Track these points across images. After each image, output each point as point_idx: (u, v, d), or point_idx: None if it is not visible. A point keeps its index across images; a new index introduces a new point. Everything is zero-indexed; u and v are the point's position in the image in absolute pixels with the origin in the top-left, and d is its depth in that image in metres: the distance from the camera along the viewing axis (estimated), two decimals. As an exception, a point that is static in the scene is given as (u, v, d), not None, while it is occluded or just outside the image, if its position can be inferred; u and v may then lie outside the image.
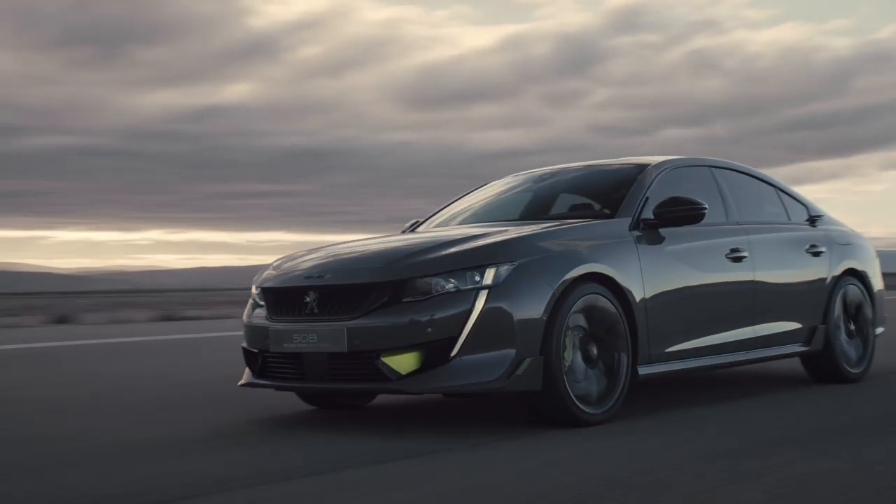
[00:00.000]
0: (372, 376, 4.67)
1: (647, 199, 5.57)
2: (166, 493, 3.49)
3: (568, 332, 4.79)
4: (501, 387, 4.59)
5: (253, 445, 4.48)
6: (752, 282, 5.98)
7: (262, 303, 5.24)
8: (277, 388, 5.10)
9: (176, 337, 13.07)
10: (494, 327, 4.59)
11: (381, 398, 5.92)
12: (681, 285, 5.46)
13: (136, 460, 4.13)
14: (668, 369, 5.38)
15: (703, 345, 5.59)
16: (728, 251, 5.87)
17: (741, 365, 6.09)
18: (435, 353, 4.58)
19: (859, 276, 6.89)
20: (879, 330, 7.16)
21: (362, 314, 4.70)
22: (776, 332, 6.16)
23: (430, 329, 4.57)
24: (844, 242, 6.92)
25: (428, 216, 6.58)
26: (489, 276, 4.65)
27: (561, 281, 4.76)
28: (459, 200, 6.68)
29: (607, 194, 5.77)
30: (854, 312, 6.79)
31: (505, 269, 4.68)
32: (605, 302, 4.97)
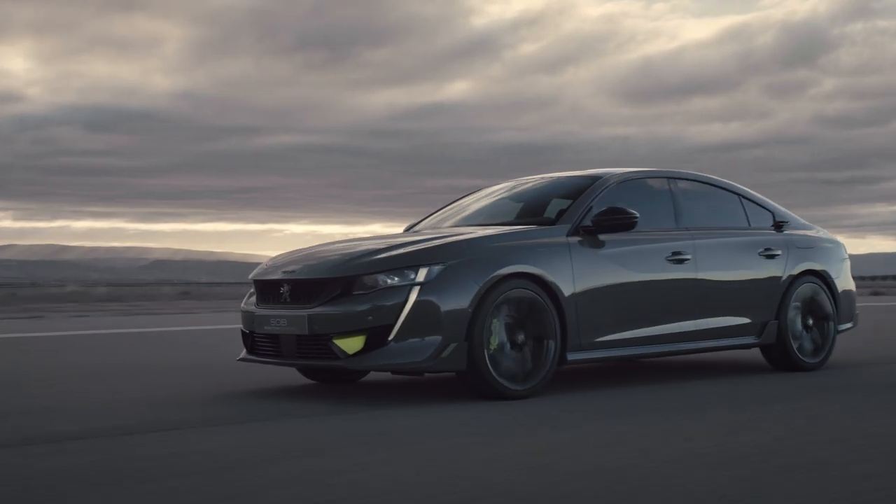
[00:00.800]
0: (326, 355, 5.79)
1: (591, 208, 6.49)
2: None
3: (495, 321, 5.78)
4: (430, 366, 5.65)
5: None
6: (695, 280, 6.83)
7: (253, 292, 6.43)
8: (262, 363, 6.26)
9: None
10: (424, 317, 5.64)
11: (375, 376, 7.03)
12: (613, 283, 6.37)
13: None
14: (598, 356, 6.32)
15: (637, 335, 6.50)
16: (670, 254, 6.74)
17: (685, 354, 6.96)
18: (376, 337, 5.66)
19: (820, 276, 7.62)
20: (845, 326, 7.88)
21: (320, 303, 5.83)
22: (722, 325, 6.99)
23: (370, 317, 5.66)
24: (805, 246, 7.65)
25: (422, 220, 7.64)
26: (422, 275, 5.70)
27: (488, 278, 5.76)
28: (450, 205, 7.72)
29: (557, 205, 6.71)
30: (812, 309, 7.53)
31: (436, 268, 5.73)
32: (533, 296, 5.94)
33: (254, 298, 6.44)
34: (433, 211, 7.77)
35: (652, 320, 6.60)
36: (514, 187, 7.50)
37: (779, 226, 7.69)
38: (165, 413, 5.38)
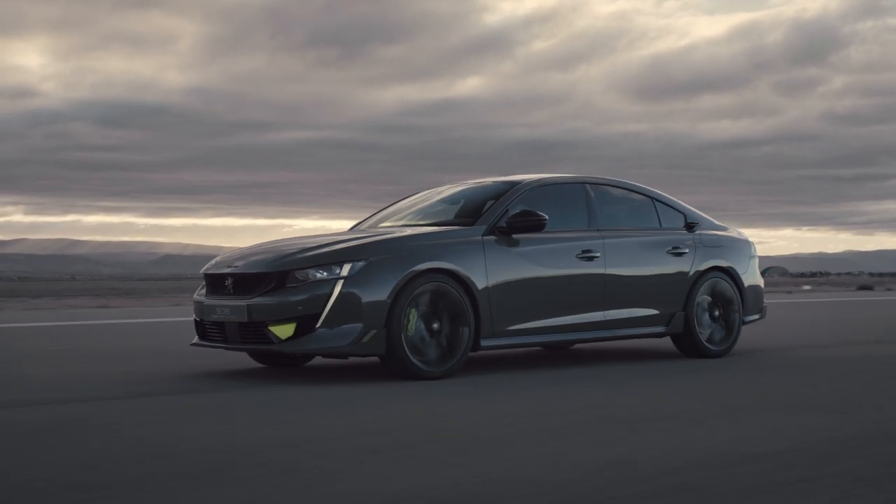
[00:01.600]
0: (263, 340, 6.69)
1: (507, 210, 7.37)
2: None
3: (412, 311, 6.67)
4: (352, 350, 6.55)
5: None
6: (603, 275, 7.71)
7: (204, 284, 7.34)
8: (212, 347, 7.16)
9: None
10: (347, 307, 6.54)
11: (317, 361, 7.93)
12: (524, 277, 7.26)
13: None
14: (510, 342, 7.20)
15: (547, 324, 7.38)
16: (580, 252, 7.62)
17: (594, 341, 7.85)
18: (305, 324, 6.57)
19: (726, 272, 8.50)
20: (753, 317, 8.76)
21: (258, 295, 6.73)
22: (630, 316, 7.87)
23: (300, 307, 6.56)
24: (714, 245, 8.53)
25: (365, 218, 8.55)
26: (346, 270, 6.60)
27: (405, 273, 6.65)
28: (394, 205, 8.62)
29: (479, 206, 7.59)
30: (718, 300, 8.40)
31: (359, 264, 6.62)
32: (448, 289, 6.83)
33: (204, 290, 7.34)
34: (376, 211, 8.67)
35: (561, 311, 7.48)
36: (444, 191, 8.39)
37: (690, 226, 8.55)
38: (110, 388, 6.30)
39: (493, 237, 7.22)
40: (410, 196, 8.77)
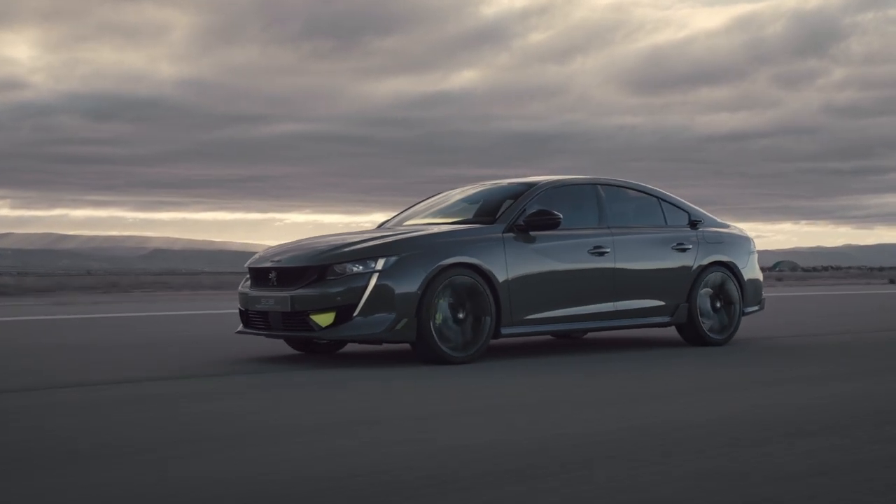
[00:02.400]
0: (305, 328, 7.46)
1: (525, 210, 8.14)
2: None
3: (440, 301, 7.44)
4: (385, 337, 7.33)
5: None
6: (613, 269, 8.49)
7: (248, 277, 8.11)
8: (256, 335, 7.94)
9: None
10: (382, 297, 7.31)
11: (349, 348, 8.71)
12: (541, 271, 8.04)
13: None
14: (527, 330, 7.99)
15: (561, 314, 8.16)
16: (591, 247, 8.40)
17: (605, 330, 8.63)
18: (343, 313, 7.34)
19: (727, 267, 9.29)
20: (752, 309, 9.55)
21: (300, 286, 7.50)
22: (637, 307, 8.65)
23: (339, 298, 7.33)
24: (716, 241, 9.32)
25: (390, 218, 9.33)
26: (380, 264, 7.38)
27: (434, 267, 7.42)
28: (419, 204, 9.41)
29: (497, 206, 8.38)
30: (720, 293, 9.19)
31: (392, 259, 7.40)
32: (472, 282, 7.60)
33: (248, 282, 8.11)
34: (402, 210, 9.45)
35: (574, 301, 8.26)
36: (465, 191, 9.19)
37: (693, 224, 9.33)
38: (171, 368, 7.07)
39: (512, 234, 7.99)
40: (433, 196, 9.55)
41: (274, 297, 7.63)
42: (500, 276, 7.78)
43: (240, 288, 8.25)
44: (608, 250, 8.50)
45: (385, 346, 8.80)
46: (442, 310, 7.49)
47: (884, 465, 3.81)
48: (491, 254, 7.79)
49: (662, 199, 9.32)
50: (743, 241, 9.66)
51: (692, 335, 9.09)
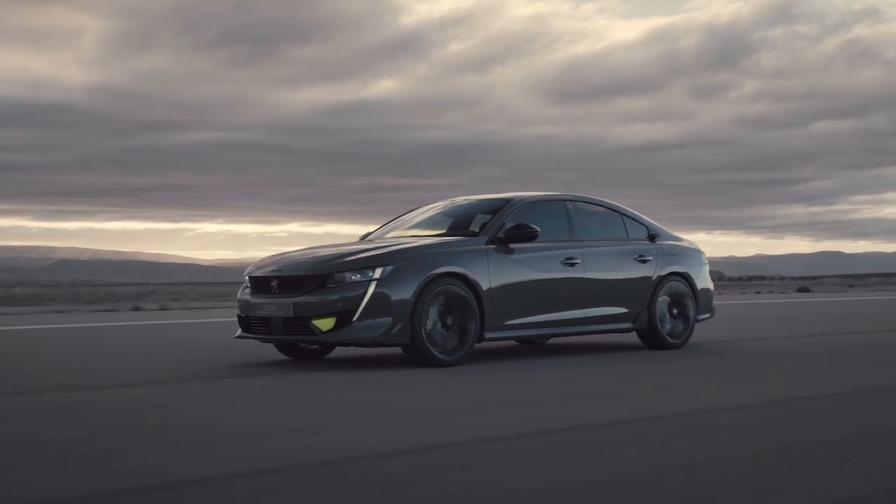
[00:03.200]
0: (306, 331, 8.20)
1: (504, 224, 8.97)
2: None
3: (430, 308, 8.23)
4: (383, 340, 8.09)
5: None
6: (583, 279, 9.37)
7: (248, 285, 8.82)
8: (257, 339, 8.65)
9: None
10: (379, 304, 8.07)
11: (337, 352, 9.45)
12: (519, 280, 8.87)
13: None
14: (508, 335, 8.83)
15: (538, 320, 9.00)
16: (563, 259, 9.27)
17: (576, 335, 9.50)
18: (343, 318, 8.09)
19: (683, 277, 10.24)
20: (704, 316, 10.51)
21: (302, 294, 8.23)
22: (604, 314, 9.54)
23: (339, 304, 8.08)
24: (672, 253, 10.26)
25: (374, 230, 10.10)
26: (377, 273, 8.14)
27: (426, 276, 8.21)
28: (398, 219, 10.18)
29: (477, 220, 9.22)
30: (676, 301, 10.13)
31: (389, 268, 8.17)
32: (459, 290, 8.40)
33: (247, 290, 8.81)
34: (382, 224, 10.22)
35: (549, 308, 9.11)
36: (447, 206, 10.01)
37: (652, 237, 10.27)
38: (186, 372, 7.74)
39: (493, 246, 8.81)
40: (412, 210, 10.35)
41: (276, 304, 8.34)
42: (485, 285, 8.59)
43: (239, 295, 8.94)
44: (578, 261, 9.37)
45: (370, 351, 9.56)
46: (432, 316, 8.28)
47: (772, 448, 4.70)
48: (476, 264, 8.60)
49: (624, 214, 10.23)
50: (696, 254, 10.63)
51: (652, 339, 10.00)
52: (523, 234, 8.92)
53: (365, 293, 8.09)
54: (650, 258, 10.05)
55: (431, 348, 8.22)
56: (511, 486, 3.71)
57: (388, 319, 8.10)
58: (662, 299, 10.04)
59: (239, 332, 8.88)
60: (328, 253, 8.67)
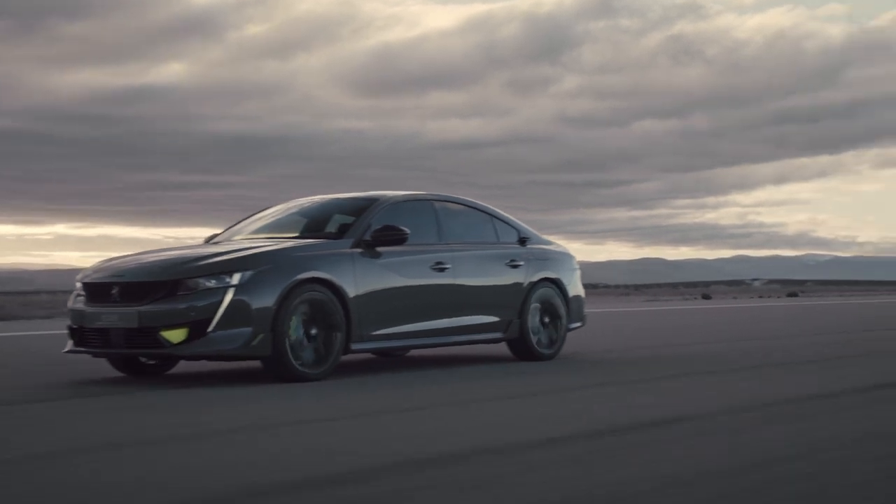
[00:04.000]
0: (154, 344, 7.44)
1: (370, 225, 8.40)
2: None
3: (293, 317, 7.58)
4: (242, 353, 7.42)
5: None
6: (453, 285, 8.87)
7: (82, 293, 7.96)
8: (92, 354, 7.81)
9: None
10: (238, 312, 7.39)
11: (177, 369, 8.68)
12: (387, 287, 8.32)
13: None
14: (375, 346, 8.28)
15: (406, 330, 8.46)
16: (433, 263, 8.75)
17: (444, 346, 9.01)
18: (197, 329, 7.36)
19: (555, 283, 9.86)
20: (576, 325, 10.16)
21: (149, 302, 7.46)
22: (475, 323, 9.06)
23: (192, 313, 7.36)
24: (543, 258, 9.87)
25: (222, 231, 9.36)
26: (236, 278, 7.46)
27: (289, 282, 7.56)
28: (247, 219, 9.47)
29: (338, 220, 8.62)
30: (547, 309, 9.74)
31: (249, 273, 7.49)
32: (323, 297, 7.78)
33: (81, 298, 7.96)
34: (231, 225, 9.48)
35: (418, 317, 8.58)
36: (302, 205, 9.34)
37: (522, 241, 9.85)
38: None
39: (359, 249, 8.22)
40: (264, 210, 9.64)
41: (118, 313, 7.54)
42: (351, 292, 7.99)
43: (70, 304, 8.08)
44: (449, 266, 8.87)
45: (212, 365, 8.82)
46: (295, 325, 7.64)
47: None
48: (341, 269, 8.00)
49: (494, 216, 9.79)
50: (567, 259, 10.27)
51: (523, 350, 9.56)
52: (392, 236, 8.37)
53: (221, 301, 7.39)
54: (521, 263, 9.63)
55: (294, 361, 7.59)
56: None
57: (248, 330, 7.42)
58: (534, 307, 9.62)
59: (70, 345, 8.01)
60: (178, 256, 7.92)
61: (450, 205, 9.39)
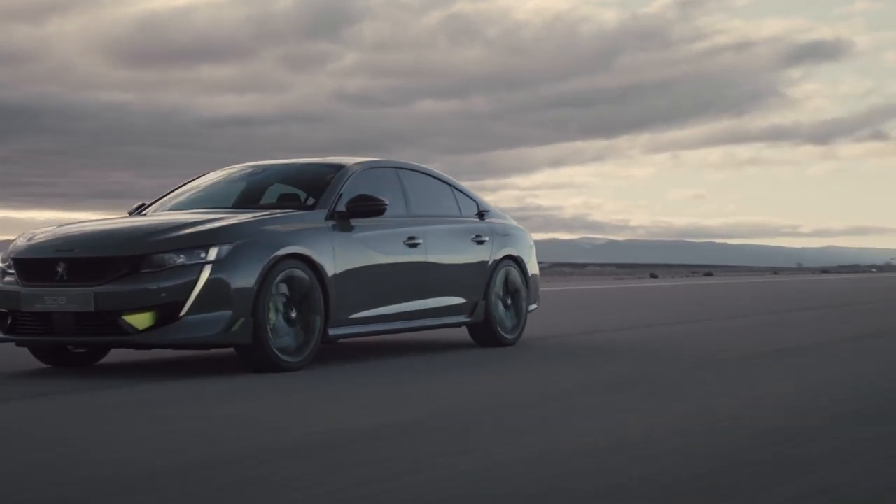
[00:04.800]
0: (114, 331, 6.36)
1: (342, 195, 7.50)
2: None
3: (272, 298, 6.65)
4: (220, 340, 6.44)
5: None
6: (425, 263, 8.06)
7: (11, 271, 6.77)
8: (29, 344, 6.67)
9: None
10: (216, 293, 6.40)
11: (108, 358, 7.56)
12: (365, 264, 7.45)
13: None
14: (351, 332, 7.37)
15: (381, 313, 7.61)
16: (406, 238, 7.91)
17: (412, 331, 8.19)
18: (167, 313, 6.33)
19: (516, 261, 9.15)
20: (533, 307, 9.47)
21: (107, 281, 6.37)
22: (443, 305, 8.26)
23: (163, 294, 6.32)
24: (504, 233, 9.15)
25: (154, 200, 8.24)
26: (213, 254, 6.45)
27: (270, 258, 6.62)
28: (183, 187, 8.38)
29: (309, 189, 7.69)
30: (511, 290, 9.03)
31: (226, 248, 6.50)
32: (303, 275, 6.86)
33: (10, 278, 6.76)
34: (163, 194, 8.35)
35: (393, 299, 7.73)
36: (253, 171, 8.31)
37: (481, 214, 9.10)
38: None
39: (333, 222, 7.33)
40: (202, 175, 8.55)
41: (66, 295, 6.42)
42: (330, 270, 7.10)
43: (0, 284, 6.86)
44: (420, 241, 8.05)
45: (157, 353, 7.76)
46: (274, 308, 6.71)
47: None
48: (320, 244, 7.09)
49: (454, 187, 9.00)
50: (525, 235, 9.57)
51: (486, 334, 8.79)
52: (369, 207, 7.49)
53: (197, 280, 6.39)
54: (486, 238, 8.86)
55: (275, 348, 6.66)
56: None
57: (228, 313, 6.44)
58: (498, 288, 8.89)
59: (-1, 334, 6.82)
60: (139, 226, 6.85)
61: (413, 173, 8.55)
